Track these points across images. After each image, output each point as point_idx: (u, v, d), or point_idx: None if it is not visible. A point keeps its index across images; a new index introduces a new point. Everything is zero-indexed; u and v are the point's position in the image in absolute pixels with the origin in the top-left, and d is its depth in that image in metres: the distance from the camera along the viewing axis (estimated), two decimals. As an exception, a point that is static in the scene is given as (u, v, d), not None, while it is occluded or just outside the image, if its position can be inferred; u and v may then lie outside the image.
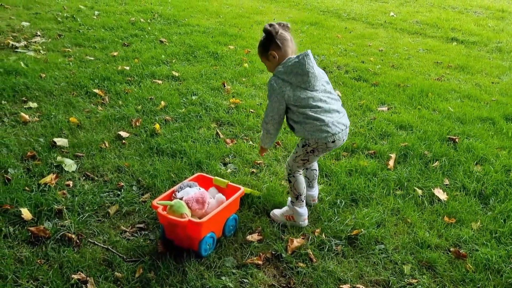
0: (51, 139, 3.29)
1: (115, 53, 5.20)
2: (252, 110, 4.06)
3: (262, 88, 4.62)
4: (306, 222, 2.68)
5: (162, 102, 4.03)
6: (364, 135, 3.78)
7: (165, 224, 2.41)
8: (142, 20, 6.71)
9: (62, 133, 3.41)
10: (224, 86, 4.57)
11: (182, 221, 2.27)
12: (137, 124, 3.66)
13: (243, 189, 2.61)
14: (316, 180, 2.87)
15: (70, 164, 3.01)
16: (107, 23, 6.33)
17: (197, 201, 2.42)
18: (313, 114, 2.42)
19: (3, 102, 3.81)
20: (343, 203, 2.89)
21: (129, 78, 4.54)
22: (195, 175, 2.78)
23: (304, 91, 2.42)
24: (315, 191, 2.88)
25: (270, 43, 2.47)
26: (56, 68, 4.61)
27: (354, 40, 6.65)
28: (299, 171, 2.64)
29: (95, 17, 6.67)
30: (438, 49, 6.48)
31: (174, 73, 4.77)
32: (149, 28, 6.33)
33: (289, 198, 2.72)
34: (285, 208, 2.71)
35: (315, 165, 2.84)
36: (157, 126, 3.61)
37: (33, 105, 3.81)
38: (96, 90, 4.16)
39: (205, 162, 3.19)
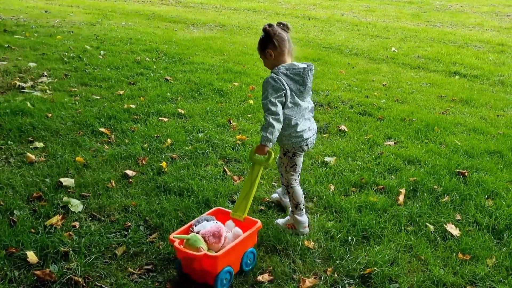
0: (57, 179, 3.27)
1: (121, 92, 5.25)
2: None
3: (267, 124, 4.63)
4: (307, 230, 2.85)
5: (169, 140, 4.03)
6: (372, 170, 3.75)
7: (182, 258, 2.38)
8: (147, 59, 6.82)
9: (68, 173, 3.39)
10: (230, 122, 4.59)
11: (197, 255, 2.26)
12: (144, 162, 3.64)
13: (260, 223, 2.57)
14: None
15: (76, 205, 2.98)
16: (113, 63, 6.43)
17: (213, 235, 2.40)
18: (295, 121, 2.63)
19: (9, 142, 3.82)
20: (355, 240, 2.83)
21: (135, 116, 4.57)
22: (213, 209, 2.76)
23: (296, 99, 2.62)
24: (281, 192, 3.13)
25: (267, 42, 2.61)
26: (63, 108, 4.64)
27: (358, 75, 6.72)
28: (295, 180, 2.83)
29: (101, 56, 6.79)
30: (441, 83, 6.53)
31: (180, 110, 4.80)
32: (154, 67, 6.43)
33: (290, 208, 2.90)
34: (287, 218, 2.93)
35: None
36: (163, 164, 3.59)
37: (39, 145, 3.82)
38: (102, 129, 4.17)
39: (213, 200, 3.15)
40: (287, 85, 2.57)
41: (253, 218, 2.62)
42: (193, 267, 2.35)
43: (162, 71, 6.23)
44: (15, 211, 2.85)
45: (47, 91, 5.18)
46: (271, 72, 2.63)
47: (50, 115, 4.42)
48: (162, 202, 3.10)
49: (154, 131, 4.23)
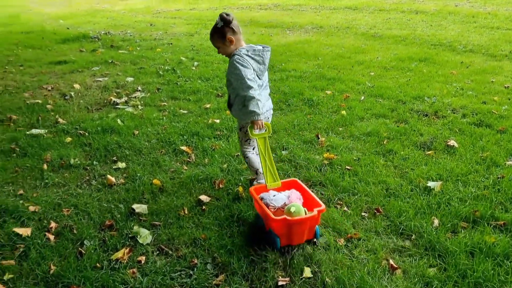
0: (131, 204, 3.15)
1: (208, 105, 5.12)
2: (348, 167, 3.57)
3: (360, 139, 4.11)
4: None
5: (249, 160, 3.74)
6: (489, 199, 3.05)
7: (294, 226, 2.55)
8: (238, 68, 6.65)
9: (143, 198, 3.27)
10: (318, 138, 4.15)
11: (314, 214, 2.56)
12: (220, 186, 3.39)
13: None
14: None
15: (145, 235, 2.81)
16: (204, 74, 6.38)
17: (299, 199, 2.78)
18: None
19: (94, 162, 3.84)
20: (464, 299, 2.24)
21: (218, 133, 4.36)
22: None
23: (256, 78, 2.79)
24: None
25: (227, 30, 2.78)
26: (150, 124, 4.62)
27: (473, 76, 5.81)
28: (249, 151, 3.12)
29: (194, 68, 6.79)
30: None
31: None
32: (244, 76, 6.22)
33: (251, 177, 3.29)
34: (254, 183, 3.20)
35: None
36: (240, 189, 3.30)
37: (122, 165, 3.78)
38: (183, 147, 4.03)
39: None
40: (251, 64, 2.76)
41: (286, 180, 2.99)
42: (301, 231, 2.59)
43: (252, 81, 5.99)
44: (85, 241, 2.77)
45: (139, 106, 5.25)
46: (233, 56, 2.79)
47: (136, 132, 4.42)
48: (234, 235, 2.80)
49: (235, 149, 3.97)
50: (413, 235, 2.75)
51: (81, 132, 4.42)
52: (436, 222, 2.85)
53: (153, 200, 3.24)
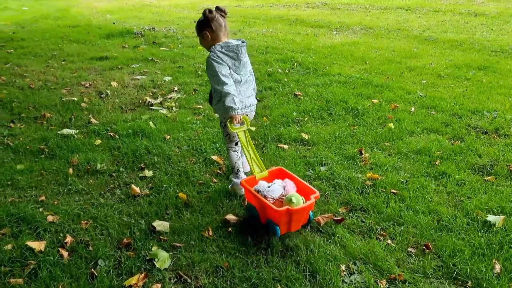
0: (153, 220, 2.92)
1: (245, 110, 4.83)
2: (394, 191, 3.18)
3: (409, 158, 3.70)
4: (242, 191, 3.10)
5: (283, 176, 3.42)
6: None
7: (296, 217, 2.65)
8: (279, 70, 6.34)
9: (166, 213, 3.02)
10: (361, 154, 3.78)
11: (312, 202, 2.69)
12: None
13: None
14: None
15: (164, 259, 2.56)
16: (244, 75, 6.10)
17: (294, 187, 2.83)
18: None
19: (121, 169, 3.65)
20: None
21: (253, 142, 4.07)
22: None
23: (233, 73, 2.86)
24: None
25: (206, 25, 2.85)
26: (182, 129, 4.40)
27: (540, 88, 5.21)
28: (231, 147, 3.13)
29: (233, 68, 6.53)
30: None
31: (303, 135, 4.16)
32: (286, 80, 5.90)
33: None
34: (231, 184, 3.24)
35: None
36: (271, 210, 2.99)
37: (149, 173, 3.56)
38: (214, 157, 3.77)
39: (323, 268, 2.44)
40: (225, 60, 2.81)
41: (272, 168, 3.04)
42: (299, 219, 2.69)
43: (293, 85, 5.66)
44: (99, 261, 2.55)
45: (173, 108, 5.04)
46: (209, 52, 2.85)
47: (168, 137, 4.20)
48: (260, 266, 2.50)
49: (269, 161, 3.67)
50: (469, 282, 2.35)
51: (111, 134, 4.26)
52: (497, 267, 2.43)
53: (177, 216, 2.99)
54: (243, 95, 2.94)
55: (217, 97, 2.88)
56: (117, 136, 4.24)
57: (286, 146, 3.97)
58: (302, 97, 5.22)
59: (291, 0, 15.03)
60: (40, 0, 17.82)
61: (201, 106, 5.05)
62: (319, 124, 4.45)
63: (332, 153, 3.81)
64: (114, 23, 11.11)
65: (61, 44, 8.65)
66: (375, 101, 5.01)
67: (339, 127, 4.33)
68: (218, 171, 3.58)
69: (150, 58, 7.31)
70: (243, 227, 2.85)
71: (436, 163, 3.60)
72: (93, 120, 4.66)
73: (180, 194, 3.22)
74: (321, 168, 3.57)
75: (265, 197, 2.73)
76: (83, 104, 5.11)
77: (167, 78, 6.17)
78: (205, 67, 2.95)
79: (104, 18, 12.30)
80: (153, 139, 4.14)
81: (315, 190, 2.75)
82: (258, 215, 2.83)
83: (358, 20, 10.52)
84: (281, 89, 5.54)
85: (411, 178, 3.38)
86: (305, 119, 4.57)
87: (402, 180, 3.34)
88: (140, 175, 3.56)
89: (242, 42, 2.90)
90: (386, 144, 3.97)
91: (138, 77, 6.29)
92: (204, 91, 5.55)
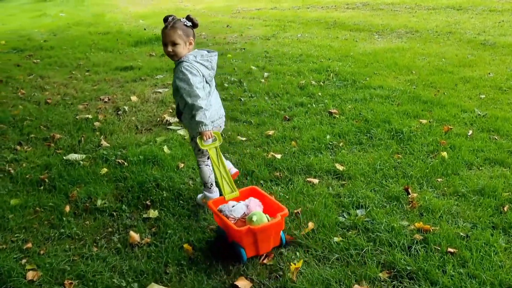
0: (149, 283, 2.40)
1: (271, 132, 4.25)
2: (452, 250, 2.50)
3: (469, 200, 3.00)
4: None
5: (310, 223, 2.82)
6: None
7: (259, 235, 2.46)
8: (313, 82, 5.71)
9: (166, 273, 2.49)
10: (408, 193, 3.11)
11: (279, 220, 2.48)
12: (266, 262, 2.52)
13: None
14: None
15: None
16: (273, 88, 5.52)
17: (260, 206, 2.70)
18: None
19: (123, 207, 3.16)
20: None
21: (277, 173, 3.48)
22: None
23: (206, 85, 2.75)
24: (229, 163, 3.28)
25: (192, 32, 2.73)
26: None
27: None
28: (203, 161, 3.00)
29: (263, 80, 5.97)
30: None
31: (337, 166, 3.53)
32: (319, 94, 5.27)
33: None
34: (201, 194, 3.11)
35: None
36: (292, 267, 2.39)
37: (154, 214, 3.06)
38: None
39: None
40: (200, 70, 2.68)
41: (244, 188, 2.86)
42: (268, 239, 2.51)
43: (328, 100, 5.02)
44: None
45: (193, 128, 4.53)
46: (180, 62, 2.70)
47: (181, 165, 3.69)
48: None
49: (295, 203, 3.07)
50: None
51: (119, 161, 3.80)
52: None
53: (177, 278, 2.45)
54: (214, 106, 2.83)
55: (188, 111, 2.71)
56: (126, 163, 3.77)
57: (316, 181, 3.36)
58: (337, 116, 4.57)
59: (330, 0, 14.29)
60: (79, 6, 17.96)
61: (224, 126, 4.51)
62: (356, 151, 3.81)
63: (371, 191, 3.17)
64: (145, 29, 10.81)
65: (88, 53, 8.39)
66: (423, 121, 4.30)
67: (381, 156, 3.67)
68: (234, 212, 3.02)
69: (175, 68, 6.86)
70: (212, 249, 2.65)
71: (504, 209, 2.88)
72: (103, 142, 4.22)
73: (185, 246, 2.68)
74: (358, 212, 2.94)
75: (227, 217, 2.59)
76: (96, 123, 4.70)
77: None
78: (174, 79, 2.72)
79: (136, 24, 12.05)
80: (164, 168, 3.65)
81: (284, 207, 2.58)
82: (225, 235, 2.67)
83: (403, 22, 9.67)
84: (313, 105, 4.91)
85: (474, 229, 2.69)
86: (340, 144, 3.93)
87: (461, 233, 2.65)
88: (143, 215, 3.06)
89: (210, 51, 2.81)
90: (439, 180, 3.28)
91: (160, 90, 5.84)
92: (227, 108, 5.01)
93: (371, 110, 4.62)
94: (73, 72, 7.03)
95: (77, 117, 4.93)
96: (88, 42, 9.42)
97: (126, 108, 5.17)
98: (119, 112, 5.07)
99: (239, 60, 7.18)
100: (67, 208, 3.16)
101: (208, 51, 2.78)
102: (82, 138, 4.34)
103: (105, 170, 3.68)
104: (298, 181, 3.36)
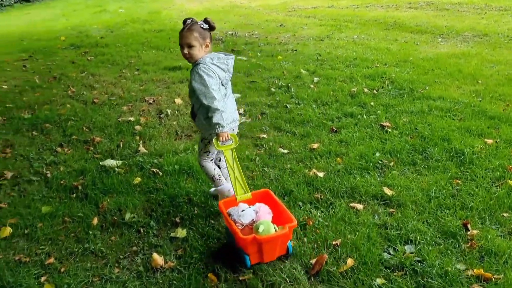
0: (165, 316, 2.21)
1: (315, 145, 3.95)
2: (518, 308, 2.11)
3: (541, 244, 2.55)
4: (232, 192, 2.88)
5: (350, 260, 2.50)
6: None
7: (266, 247, 2.42)
8: (366, 90, 5.32)
9: (185, 306, 2.29)
10: (467, 229, 2.71)
11: (285, 232, 2.41)
12: (298, 304, 2.25)
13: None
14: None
15: None
16: (322, 95, 5.19)
17: (269, 213, 2.62)
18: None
19: (152, 223, 3.00)
20: None
21: (318, 195, 3.18)
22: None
23: (222, 88, 2.75)
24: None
25: (209, 35, 2.72)
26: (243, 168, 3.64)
27: None
28: (205, 160, 3.00)
29: (312, 85, 5.65)
30: None
31: (385, 190, 3.17)
32: (372, 103, 4.88)
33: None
34: (212, 189, 3.21)
35: (223, 163, 3.08)
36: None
37: (181, 233, 2.86)
38: (265, 216, 2.96)
39: None
40: (217, 73, 2.68)
41: (257, 191, 2.82)
42: (273, 248, 2.45)
43: (380, 111, 4.63)
44: None
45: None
46: (196, 64, 2.70)
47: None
48: None
49: (334, 232, 2.76)
50: None
51: (154, 170, 3.66)
52: None
53: (197, 313, 2.24)
54: (230, 109, 2.83)
55: (204, 113, 2.74)
56: (160, 173, 3.62)
57: (360, 206, 3.02)
58: (390, 130, 4.18)
59: (391, -1, 13.61)
60: (139, 2, 18.35)
61: (265, 136, 4.27)
62: (409, 173, 3.42)
63: (423, 224, 2.79)
64: (198, 27, 10.75)
65: (140, 51, 8.42)
66: (489, 141, 3.82)
67: (437, 181, 3.26)
68: (267, 238, 2.77)
69: (224, 70, 6.69)
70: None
71: None
72: (141, 148, 4.11)
73: (210, 276, 2.47)
74: (406, 248, 2.59)
75: (235, 221, 2.57)
76: (137, 127, 4.60)
77: (236, 95, 5.47)
78: (190, 80, 2.72)
79: (191, 21, 12.04)
80: (199, 181, 3.46)
81: (294, 218, 2.50)
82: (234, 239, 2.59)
83: (471, 24, 8.94)
84: (364, 116, 4.54)
85: (546, 283, 2.27)
86: (391, 164, 3.56)
87: (531, 287, 2.24)
88: (171, 234, 2.88)
89: (227, 54, 2.79)
90: (505, 215, 2.84)
91: (205, 93, 5.68)
92: (272, 115, 4.76)
93: (429, 125, 4.19)
94: (123, 71, 7.05)
95: (120, 119, 4.87)
96: (142, 39, 9.49)
97: (169, 111, 5.06)
98: (161, 115, 4.96)
99: (289, 63, 6.90)
100: (95, 221, 3.04)
101: (225, 54, 2.78)
102: (121, 143, 4.25)
103: (138, 179, 3.54)
104: (340, 205, 3.04)
